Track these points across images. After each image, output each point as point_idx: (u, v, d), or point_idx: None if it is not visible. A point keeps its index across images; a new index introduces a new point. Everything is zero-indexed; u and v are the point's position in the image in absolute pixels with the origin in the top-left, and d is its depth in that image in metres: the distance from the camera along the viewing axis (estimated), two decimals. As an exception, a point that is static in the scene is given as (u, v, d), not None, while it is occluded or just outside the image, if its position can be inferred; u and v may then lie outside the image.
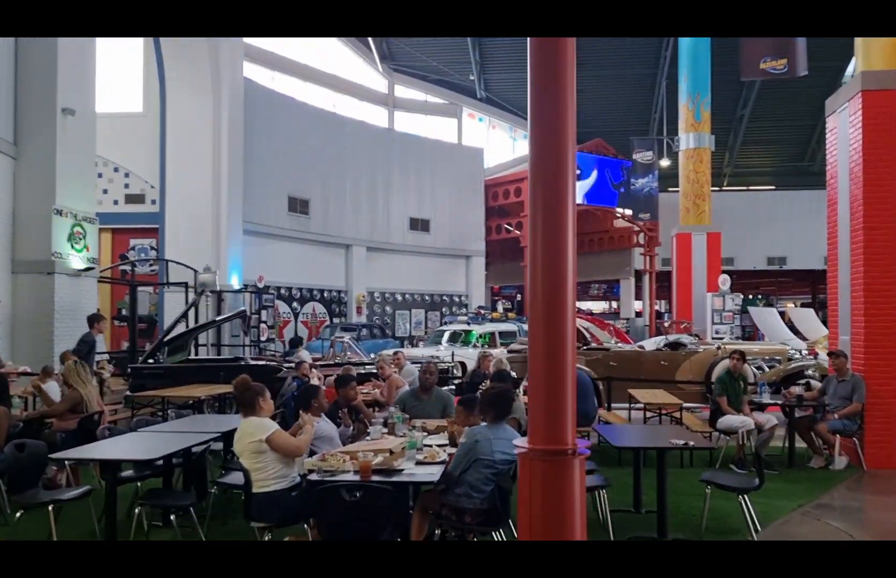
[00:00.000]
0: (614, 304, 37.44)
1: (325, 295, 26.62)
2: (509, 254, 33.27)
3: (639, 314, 34.87)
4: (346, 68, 31.30)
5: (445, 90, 34.10)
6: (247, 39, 26.82)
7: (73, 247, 13.57)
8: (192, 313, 14.35)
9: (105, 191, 22.35)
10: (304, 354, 13.89)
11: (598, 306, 40.34)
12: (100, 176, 22.16)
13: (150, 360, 12.09)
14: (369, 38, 30.95)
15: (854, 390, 9.04)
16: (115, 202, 22.36)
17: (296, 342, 14.47)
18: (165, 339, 12.28)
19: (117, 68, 22.92)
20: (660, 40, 30.30)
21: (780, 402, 9.47)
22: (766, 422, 9.04)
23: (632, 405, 11.17)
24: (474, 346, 20.90)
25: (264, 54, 27.83)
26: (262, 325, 21.42)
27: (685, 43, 23.88)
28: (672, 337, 13.85)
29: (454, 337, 21.59)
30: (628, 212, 28.69)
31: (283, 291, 24.83)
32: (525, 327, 23.16)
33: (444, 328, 22.82)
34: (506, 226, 31.72)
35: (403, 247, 29.18)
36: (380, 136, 29.12)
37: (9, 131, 13.07)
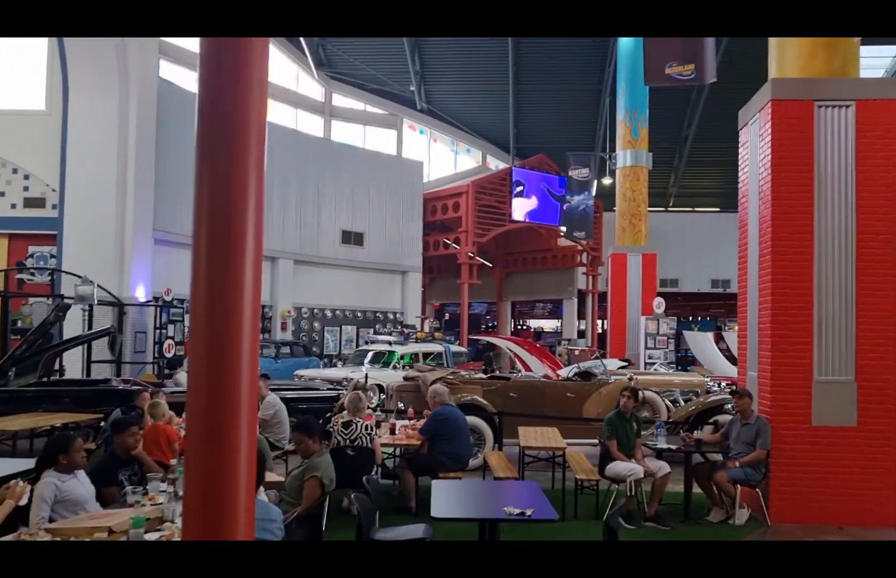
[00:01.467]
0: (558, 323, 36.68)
1: (248, 309, 25.20)
2: (450, 270, 32.23)
3: (581, 335, 34.05)
4: (280, 73, 30.04)
5: (385, 100, 32.99)
6: (164, 38, 25.51)
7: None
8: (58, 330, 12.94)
9: (2, 194, 20.80)
10: (182, 377, 12.61)
11: (549, 325, 39.54)
12: (-3, 177, 20.70)
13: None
14: (303, 43, 29.73)
15: (758, 435, 8.07)
16: (13, 205, 20.79)
17: (175, 362, 13.16)
18: (16, 357, 10.92)
19: (20, 61, 21.43)
20: (604, 53, 29.61)
21: (674, 448, 8.44)
22: (657, 470, 8.02)
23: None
24: (394, 368, 19.78)
25: (186, 54, 26.46)
26: (169, 341, 19.98)
27: (623, 56, 23.14)
28: (584, 365, 12.82)
29: (377, 358, 20.41)
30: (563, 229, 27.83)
31: (199, 305, 23.37)
32: (453, 348, 22.17)
33: (366, 347, 21.61)
34: (444, 241, 30.67)
35: (335, 261, 27.95)
36: (312, 145, 27.90)
37: None
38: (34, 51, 21.22)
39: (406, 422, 9.10)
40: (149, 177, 20.44)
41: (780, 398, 8.23)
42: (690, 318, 27.83)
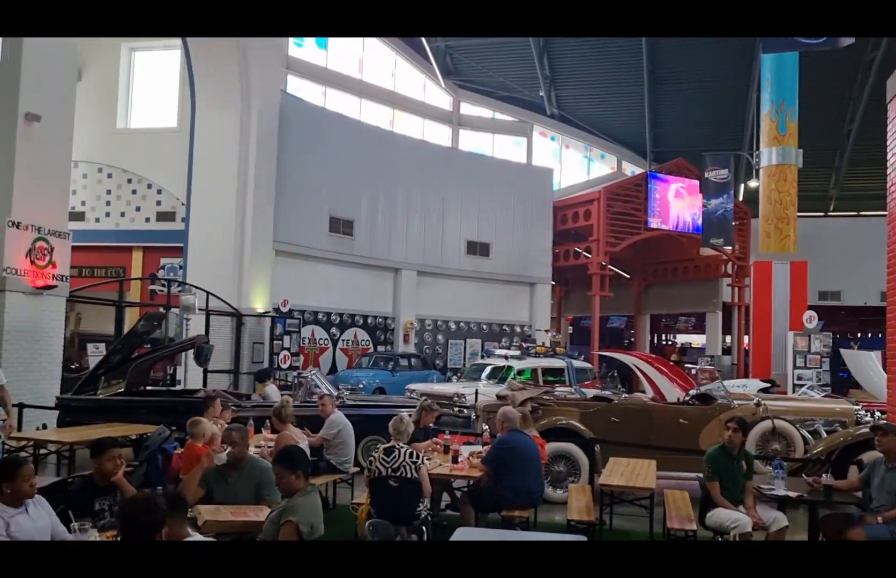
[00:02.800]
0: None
1: (370, 321, 25.02)
2: (585, 282, 30.71)
3: (727, 351, 31.52)
4: (407, 84, 29.85)
5: (514, 107, 32.05)
6: (292, 53, 25.85)
7: (33, 262, 12.45)
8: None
9: (138, 209, 21.69)
10: (271, 390, 12.21)
11: (698, 339, 36.98)
12: (133, 192, 21.58)
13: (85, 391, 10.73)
14: (428, 52, 29.37)
15: (908, 483, 6.42)
16: (147, 220, 21.62)
17: (263, 375, 12.80)
18: (105, 366, 10.88)
19: (156, 82, 22.31)
20: (749, 43, 27.19)
21: (794, 495, 6.87)
22: (770, 522, 6.54)
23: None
24: (510, 385, 18.71)
25: (315, 69, 26.74)
26: (284, 353, 20.00)
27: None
28: (704, 388, 11.22)
29: (495, 373, 19.44)
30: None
31: (320, 316, 23.40)
32: (577, 364, 20.83)
33: (481, 361, 20.69)
34: (574, 250, 29.28)
35: (459, 272, 27.26)
36: (438, 155, 27.41)
37: (-31, 138, 12.11)
38: (169, 70, 22.03)
39: (478, 448, 8.09)
40: (269, 189, 20.57)
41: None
42: (858, 335, 24.89)
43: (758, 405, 10.33)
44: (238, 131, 19.85)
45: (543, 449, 7.99)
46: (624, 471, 7.57)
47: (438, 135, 30.64)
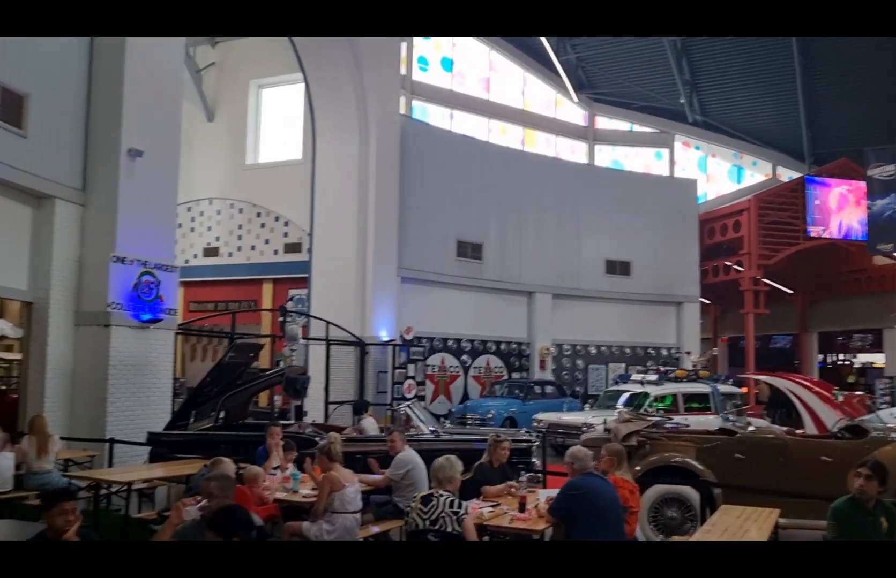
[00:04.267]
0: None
1: (503, 347, 24.13)
2: (735, 299, 28.28)
3: (909, 373, 27.87)
4: (537, 100, 28.93)
5: (654, 117, 30.25)
6: (416, 78, 25.66)
7: (140, 297, 12.62)
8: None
9: (266, 241, 22.12)
10: (368, 424, 11.61)
11: (879, 359, 33.17)
12: (262, 225, 22.07)
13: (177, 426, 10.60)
14: (558, 67, 28.30)
15: None
16: (276, 252, 21.99)
17: (360, 407, 12.20)
18: (196, 400, 10.71)
19: (282, 117, 22.77)
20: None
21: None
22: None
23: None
24: (646, 412, 17.18)
25: (440, 92, 26.42)
26: (409, 382, 19.50)
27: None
28: (858, 419, 9.40)
29: (632, 401, 17.98)
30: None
31: (450, 343, 22.79)
32: (724, 389, 18.94)
33: (619, 388, 19.23)
34: (724, 265, 27.03)
35: (598, 294, 25.81)
36: (572, 172, 26.23)
37: (77, 177, 12.46)
38: (294, 104, 22.42)
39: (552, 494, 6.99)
40: (391, 215, 20.28)
41: None
42: None
43: (921, 438, 8.48)
44: (357, 158, 19.73)
45: (635, 494, 6.77)
46: (731, 525, 6.18)
47: (573, 151, 29.45)
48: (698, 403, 18.19)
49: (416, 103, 25.56)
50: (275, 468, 7.78)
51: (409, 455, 7.76)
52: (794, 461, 8.54)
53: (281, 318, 21.67)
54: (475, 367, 23.38)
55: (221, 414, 11.51)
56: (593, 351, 25.99)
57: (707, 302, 31.47)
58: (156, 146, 12.84)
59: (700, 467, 8.52)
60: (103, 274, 12.15)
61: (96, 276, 12.21)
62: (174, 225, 13.84)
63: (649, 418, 9.98)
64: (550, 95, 29.32)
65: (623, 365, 26.04)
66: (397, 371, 19.32)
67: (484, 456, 7.62)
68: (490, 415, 19.60)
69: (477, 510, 6.25)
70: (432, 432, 10.45)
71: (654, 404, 17.74)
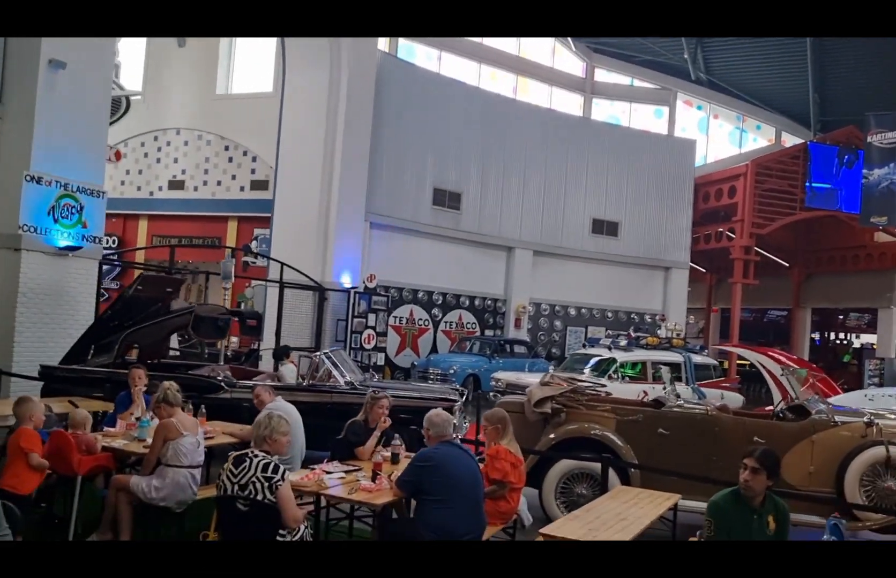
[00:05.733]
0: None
1: (477, 302, 23.23)
2: (730, 268, 27.16)
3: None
4: (533, 47, 27.63)
5: (656, 72, 28.90)
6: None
7: (57, 221, 11.77)
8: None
9: (233, 177, 21.26)
10: (287, 371, 10.80)
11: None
12: (230, 160, 21.20)
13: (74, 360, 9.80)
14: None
15: None
16: (242, 188, 21.10)
17: (280, 353, 11.40)
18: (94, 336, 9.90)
19: (257, 46, 21.68)
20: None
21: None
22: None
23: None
24: (609, 378, 16.35)
25: (427, 32, 25.21)
26: (369, 332, 18.69)
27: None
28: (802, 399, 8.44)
29: (599, 366, 17.15)
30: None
31: (420, 295, 21.92)
32: (698, 359, 18.06)
33: (586, 352, 18.38)
34: (717, 232, 25.94)
35: (582, 253, 24.81)
36: (564, 124, 24.99)
37: (-9, 87, 11.58)
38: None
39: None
40: (361, 157, 19.30)
41: None
42: None
43: (869, 424, 7.54)
44: (327, 93, 18.68)
45: (518, 469, 5.90)
46: (604, 515, 5.26)
47: (569, 104, 28.18)
48: (672, 373, 17.38)
49: (401, 41, 24.37)
50: (137, 417, 6.94)
51: (279, 406, 6.90)
52: (724, 441, 7.64)
53: (244, 258, 20.95)
54: (446, 322, 22.52)
55: (134, 351, 10.80)
56: (573, 312, 25.07)
57: (703, 270, 30.45)
58: (83, 60, 11.88)
59: (618, 442, 7.65)
60: (16, 193, 11.27)
61: (8, 195, 11.33)
62: (104, 147, 12.92)
63: (578, 381, 9.05)
64: (548, 44, 28.00)
65: (604, 328, 25.13)
66: (356, 320, 18.49)
67: (360, 414, 6.76)
68: (452, 371, 18.82)
69: (316, 475, 5.39)
70: (347, 384, 9.61)
71: (622, 370, 16.93)
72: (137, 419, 6.81)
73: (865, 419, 7.64)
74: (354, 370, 11.02)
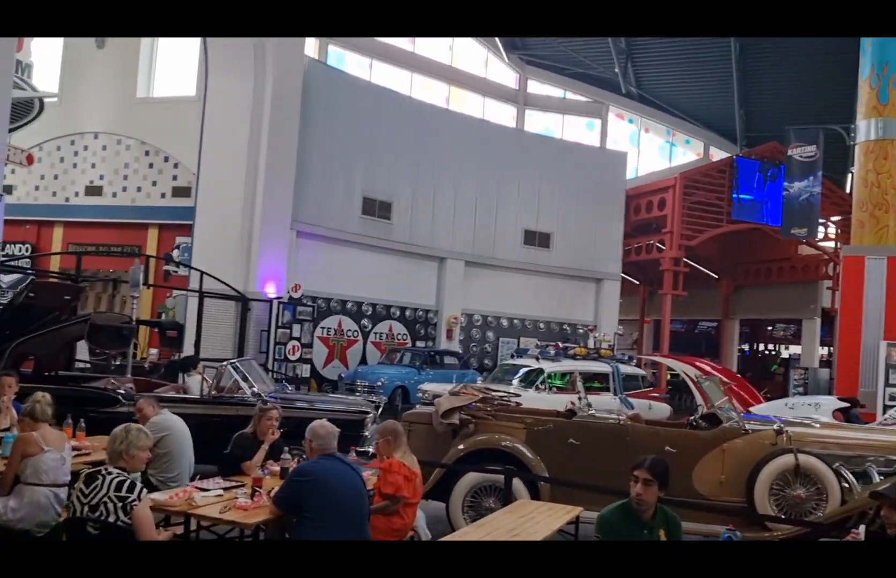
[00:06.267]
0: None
1: (408, 313, 22.89)
2: (656, 280, 27.44)
3: (826, 363, 27.52)
4: (467, 58, 27.55)
5: (588, 86, 29.12)
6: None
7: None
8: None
9: (154, 183, 20.54)
10: (195, 382, 10.28)
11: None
12: (150, 166, 20.48)
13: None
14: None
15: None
16: (163, 195, 20.39)
17: (186, 364, 10.90)
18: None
19: (179, 48, 21.03)
20: None
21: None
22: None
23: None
24: (537, 389, 16.23)
25: (359, 39, 24.87)
26: (293, 343, 18.18)
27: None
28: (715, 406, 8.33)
29: (527, 377, 16.99)
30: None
31: (349, 305, 21.47)
32: (627, 369, 18.06)
33: (514, 362, 18.23)
34: (648, 244, 26.18)
35: (514, 264, 24.69)
36: (496, 135, 24.89)
37: None
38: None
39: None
40: (287, 164, 18.82)
41: None
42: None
43: (779, 432, 7.47)
44: (251, 99, 18.20)
45: (412, 482, 5.58)
46: (496, 532, 4.97)
47: (502, 115, 28.16)
48: (599, 383, 17.34)
49: (332, 48, 24.01)
50: (4, 429, 6.39)
51: (164, 419, 6.46)
52: (636, 450, 7.43)
53: (166, 267, 20.24)
54: (376, 333, 22.11)
55: (29, 362, 10.16)
56: (505, 323, 24.94)
57: (637, 282, 30.74)
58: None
59: (528, 453, 7.40)
60: None
61: None
62: (3, 148, 12.19)
63: (493, 392, 8.78)
64: (481, 54, 27.96)
65: (536, 339, 25.06)
66: (280, 330, 17.97)
67: (249, 426, 6.36)
68: (380, 383, 18.40)
69: (187, 493, 4.97)
70: (255, 395, 9.16)
71: (549, 381, 16.80)
72: (5, 431, 6.27)
73: (775, 427, 7.56)
74: (266, 381, 10.60)
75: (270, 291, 18.41)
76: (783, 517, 7.10)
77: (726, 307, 30.92)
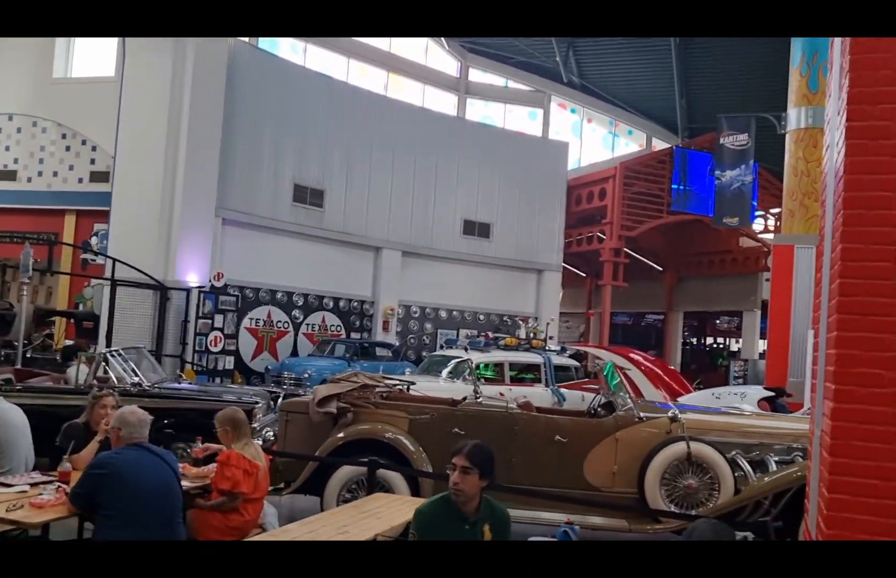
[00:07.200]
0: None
1: (342, 304, 22.31)
2: (598, 271, 27.17)
3: (763, 355, 27.59)
4: (405, 44, 27.00)
5: (531, 75, 28.77)
6: None
7: None
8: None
9: (71, 167, 19.66)
10: (71, 372, 9.64)
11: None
12: (67, 149, 19.63)
13: None
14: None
15: None
16: (81, 180, 19.52)
17: (70, 353, 10.27)
18: None
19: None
20: None
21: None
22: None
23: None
24: (464, 380, 15.78)
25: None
26: (215, 334, 17.52)
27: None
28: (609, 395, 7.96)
29: (457, 368, 16.53)
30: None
31: (280, 296, 20.83)
32: (559, 360, 17.74)
33: (444, 353, 17.78)
34: (589, 235, 25.95)
35: (453, 255, 24.25)
36: (435, 123, 24.39)
37: None
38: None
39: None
40: (211, 149, 18.14)
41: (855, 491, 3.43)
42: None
43: (673, 420, 7.11)
44: (170, 80, 17.51)
45: (252, 477, 5.07)
46: (322, 530, 4.50)
47: (443, 103, 27.66)
48: (531, 374, 16.99)
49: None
50: None
51: (-6, 410, 5.82)
52: (525, 441, 7.06)
53: (84, 256, 19.41)
54: (308, 324, 21.50)
55: None
56: (444, 315, 24.50)
57: (583, 274, 30.55)
58: None
59: (409, 445, 6.93)
60: None
61: None
62: None
63: (387, 380, 8.29)
64: (421, 41, 27.43)
65: (476, 331, 24.67)
66: (201, 321, 17.29)
67: (82, 416, 5.80)
68: (307, 375, 17.82)
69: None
70: (135, 385, 8.56)
71: (479, 371, 16.39)
72: None
73: (670, 414, 7.20)
74: (158, 371, 10.01)
75: (192, 280, 17.72)
76: (673, 508, 6.74)
77: (670, 299, 30.90)
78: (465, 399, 7.84)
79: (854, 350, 3.47)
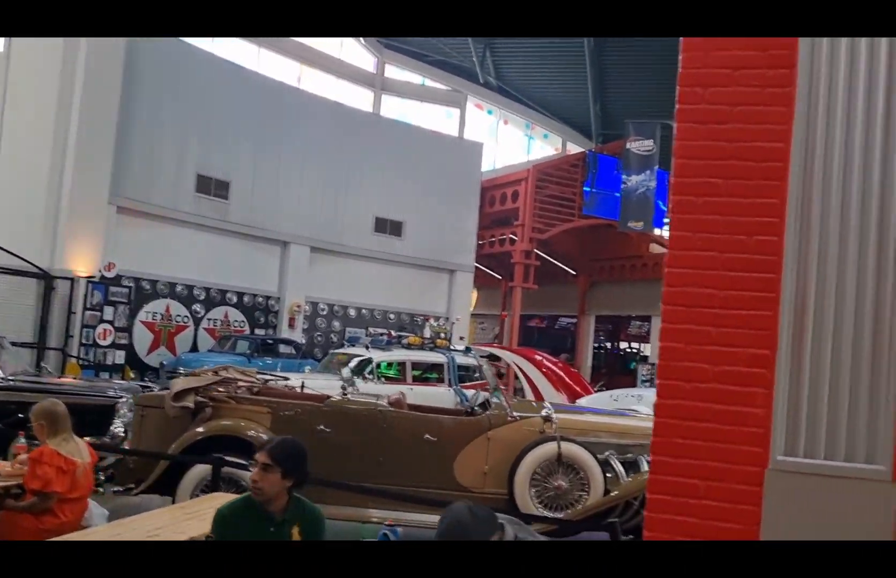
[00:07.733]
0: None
1: (246, 299, 21.66)
2: (539, 276, 26.90)
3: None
4: (320, 39, 26.47)
5: (448, 74, 28.65)
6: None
7: None
8: None
9: (-48, 148, 18.31)
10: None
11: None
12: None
13: None
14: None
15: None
16: (-37, 162, 18.26)
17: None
18: None
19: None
20: None
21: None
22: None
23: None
24: (364, 379, 15.42)
25: (200, 8, 23.41)
26: (105, 327, 16.70)
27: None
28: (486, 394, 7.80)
29: (360, 366, 16.13)
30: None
31: (179, 289, 20.06)
32: (462, 360, 17.54)
33: (345, 351, 17.39)
34: (501, 237, 25.96)
35: (364, 252, 23.85)
36: (347, 117, 23.96)
37: None
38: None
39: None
40: (104, 134, 17.28)
41: (679, 492, 3.28)
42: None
43: (546, 419, 6.97)
44: (60, 61, 16.58)
45: (70, 474, 4.65)
46: (131, 533, 4.12)
47: (358, 99, 27.25)
48: (435, 374, 16.78)
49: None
50: None
51: None
52: (394, 439, 6.79)
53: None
54: (210, 319, 20.78)
55: None
56: (353, 313, 24.09)
57: (498, 277, 30.57)
58: None
59: (266, 441, 6.57)
60: None
61: None
62: None
63: (251, 374, 7.90)
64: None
65: (384, 330, 24.33)
66: (89, 313, 16.45)
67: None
68: (204, 372, 17.24)
69: None
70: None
71: (379, 370, 16.09)
72: None
73: (543, 413, 7.05)
74: (21, 362, 9.35)
75: (81, 270, 16.85)
76: (542, 510, 6.59)
77: (583, 303, 31.22)
78: (322, 395, 7.51)
79: (678, 343, 3.33)
